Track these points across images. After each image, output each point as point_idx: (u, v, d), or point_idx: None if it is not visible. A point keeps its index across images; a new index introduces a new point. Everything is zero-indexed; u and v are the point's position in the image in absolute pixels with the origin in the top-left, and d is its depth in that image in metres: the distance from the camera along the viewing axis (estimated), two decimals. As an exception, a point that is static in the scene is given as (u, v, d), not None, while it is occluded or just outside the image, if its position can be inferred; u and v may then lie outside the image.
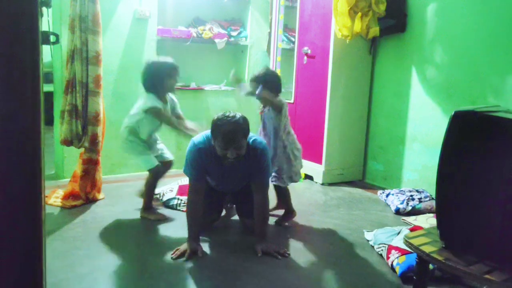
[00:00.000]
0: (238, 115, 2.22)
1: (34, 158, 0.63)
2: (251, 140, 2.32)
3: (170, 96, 2.87)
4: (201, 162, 2.31)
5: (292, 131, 2.75)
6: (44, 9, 1.02)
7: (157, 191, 2.99)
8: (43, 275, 0.71)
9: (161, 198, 3.08)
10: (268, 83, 2.62)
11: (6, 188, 0.65)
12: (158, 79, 2.70)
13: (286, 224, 2.78)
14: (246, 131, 2.23)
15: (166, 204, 3.03)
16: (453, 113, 1.52)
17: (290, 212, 2.81)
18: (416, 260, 1.70)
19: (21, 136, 0.63)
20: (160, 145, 2.99)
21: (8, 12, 0.61)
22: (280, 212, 2.87)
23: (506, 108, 1.64)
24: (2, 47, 0.61)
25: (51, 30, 1.17)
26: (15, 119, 0.63)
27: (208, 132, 2.33)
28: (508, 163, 1.42)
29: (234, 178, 2.45)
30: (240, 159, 2.24)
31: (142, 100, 2.74)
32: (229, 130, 2.15)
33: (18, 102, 0.62)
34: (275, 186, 2.75)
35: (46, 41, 1.09)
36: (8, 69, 0.62)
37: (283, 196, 2.81)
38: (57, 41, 1.15)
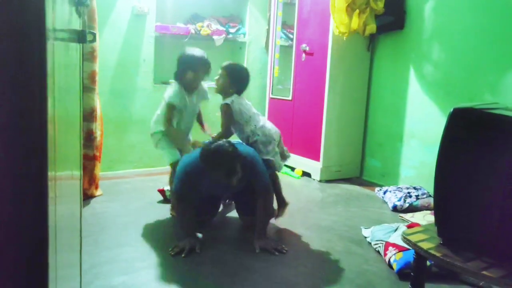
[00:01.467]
0: (224, 143, 2.20)
1: (40, 155, 0.63)
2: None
3: (203, 87, 2.86)
4: (192, 181, 2.31)
5: (263, 125, 2.63)
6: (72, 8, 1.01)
7: None
8: (48, 275, 0.71)
9: None
10: (232, 78, 2.65)
11: (11, 185, 0.65)
12: (180, 70, 2.70)
13: (280, 216, 2.71)
14: (237, 154, 2.21)
15: None
16: (451, 110, 1.52)
17: (282, 204, 2.76)
18: (414, 256, 1.71)
19: (27, 134, 0.63)
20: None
21: (13, 5, 0.60)
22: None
23: (505, 105, 1.65)
24: (7, 43, 0.61)
25: (85, 29, 1.16)
26: (21, 116, 0.63)
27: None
28: (507, 160, 1.43)
29: (229, 188, 2.45)
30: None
31: (168, 89, 2.72)
32: (229, 162, 2.15)
33: (24, 99, 0.62)
34: None
35: (83, 40, 1.08)
36: (14, 65, 0.62)
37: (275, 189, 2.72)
38: (94, 39, 1.14)
